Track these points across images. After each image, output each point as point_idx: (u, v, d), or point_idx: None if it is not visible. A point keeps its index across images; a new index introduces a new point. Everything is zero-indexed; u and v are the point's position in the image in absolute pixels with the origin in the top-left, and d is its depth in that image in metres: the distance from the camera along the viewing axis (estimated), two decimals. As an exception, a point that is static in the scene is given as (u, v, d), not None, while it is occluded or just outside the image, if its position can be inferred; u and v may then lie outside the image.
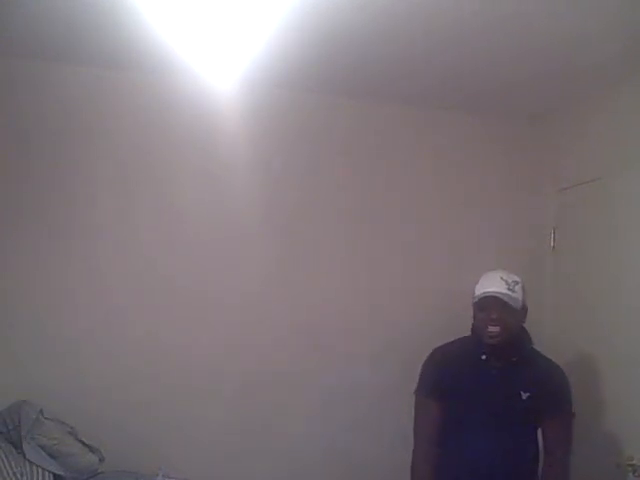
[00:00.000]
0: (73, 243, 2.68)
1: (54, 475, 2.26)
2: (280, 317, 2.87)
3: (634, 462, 2.28)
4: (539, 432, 2.41)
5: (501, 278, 2.29)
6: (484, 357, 2.35)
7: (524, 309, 2.33)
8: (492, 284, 2.29)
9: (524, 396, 2.31)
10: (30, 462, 2.20)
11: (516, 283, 2.30)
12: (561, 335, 2.96)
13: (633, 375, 2.47)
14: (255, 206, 2.85)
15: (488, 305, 2.27)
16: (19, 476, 2.13)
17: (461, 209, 3.14)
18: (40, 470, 2.21)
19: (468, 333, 2.42)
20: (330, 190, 2.98)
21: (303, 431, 2.86)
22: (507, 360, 2.34)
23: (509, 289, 2.27)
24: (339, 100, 2.94)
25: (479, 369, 2.36)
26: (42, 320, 2.61)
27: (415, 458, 2.40)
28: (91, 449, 2.40)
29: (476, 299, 2.32)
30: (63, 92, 2.68)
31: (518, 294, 2.28)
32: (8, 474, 2.10)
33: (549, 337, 3.03)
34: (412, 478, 2.40)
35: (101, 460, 2.41)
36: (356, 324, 2.97)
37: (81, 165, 2.70)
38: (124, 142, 2.75)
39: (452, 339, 2.48)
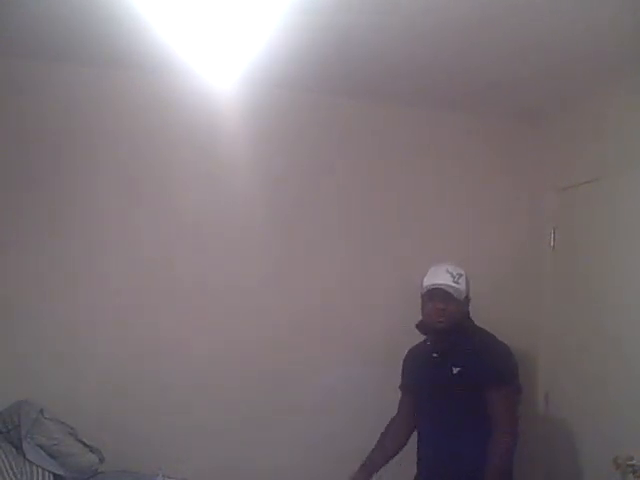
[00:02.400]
0: (74, 243, 2.67)
1: (54, 475, 2.26)
2: (280, 316, 2.87)
3: (634, 462, 2.27)
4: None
5: (447, 271, 2.45)
6: (429, 343, 2.52)
7: (467, 299, 2.48)
8: (438, 276, 2.45)
9: (455, 370, 2.39)
10: (30, 462, 2.21)
11: (460, 275, 2.46)
12: (560, 335, 2.96)
13: (633, 375, 2.47)
14: (255, 205, 2.85)
15: (435, 296, 2.42)
16: (19, 476, 2.13)
17: (461, 209, 3.14)
18: (40, 470, 2.22)
19: None
20: (330, 190, 2.99)
21: (303, 430, 2.86)
22: (443, 344, 2.46)
23: (454, 281, 2.42)
24: (339, 100, 2.95)
25: (425, 358, 2.52)
26: (42, 320, 2.61)
27: None
28: (91, 449, 2.40)
29: (424, 290, 2.46)
30: (63, 92, 2.68)
31: (462, 285, 2.44)
32: (8, 474, 2.10)
33: (548, 337, 3.03)
34: None
35: (101, 460, 2.41)
36: (355, 323, 2.97)
37: (81, 165, 2.70)
38: (124, 141, 2.75)
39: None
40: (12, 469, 2.13)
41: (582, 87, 2.76)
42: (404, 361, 2.66)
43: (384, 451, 2.58)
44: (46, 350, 2.60)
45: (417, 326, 2.52)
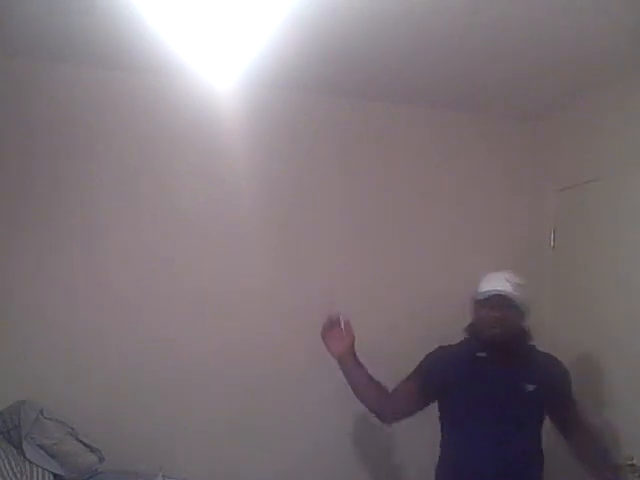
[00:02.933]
0: (75, 243, 2.68)
1: (54, 475, 2.26)
2: (280, 316, 2.87)
3: (634, 462, 2.27)
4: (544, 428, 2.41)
5: (506, 279, 2.33)
6: (483, 354, 2.37)
7: (526, 311, 2.37)
8: (498, 283, 2.33)
9: (530, 388, 2.31)
10: (30, 462, 2.20)
11: (520, 285, 2.34)
12: (561, 335, 2.96)
13: (633, 375, 2.48)
14: (255, 205, 2.85)
15: (493, 303, 2.31)
16: (19, 476, 2.13)
17: (460, 209, 3.14)
18: (40, 470, 2.22)
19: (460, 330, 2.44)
20: (330, 189, 2.99)
21: (304, 429, 2.86)
22: (505, 357, 2.35)
23: (514, 289, 2.31)
24: (339, 100, 2.95)
25: (477, 366, 2.37)
26: (43, 320, 2.61)
27: None
28: (91, 449, 2.40)
29: (481, 297, 2.34)
30: (64, 93, 2.68)
31: (522, 296, 2.33)
32: (8, 474, 2.09)
33: (549, 337, 3.02)
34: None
35: (101, 460, 2.41)
36: (355, 323, 2.96)
37: (82, 165, 2.70)
38: (125, 142, 2.75)
39: (448, 336, 2.47)
40: (12, 469, 2.12)
41: (582, 87, 2.76)
42: (433, 358, 2.47)
43: (374, 381, 2.41)
44: (46, 350, 2.60)
45: (467, 329, 2.42)
